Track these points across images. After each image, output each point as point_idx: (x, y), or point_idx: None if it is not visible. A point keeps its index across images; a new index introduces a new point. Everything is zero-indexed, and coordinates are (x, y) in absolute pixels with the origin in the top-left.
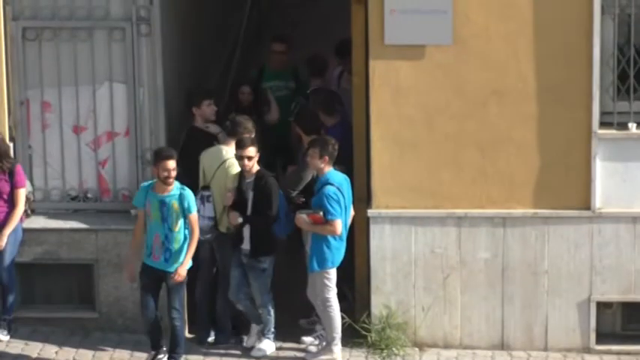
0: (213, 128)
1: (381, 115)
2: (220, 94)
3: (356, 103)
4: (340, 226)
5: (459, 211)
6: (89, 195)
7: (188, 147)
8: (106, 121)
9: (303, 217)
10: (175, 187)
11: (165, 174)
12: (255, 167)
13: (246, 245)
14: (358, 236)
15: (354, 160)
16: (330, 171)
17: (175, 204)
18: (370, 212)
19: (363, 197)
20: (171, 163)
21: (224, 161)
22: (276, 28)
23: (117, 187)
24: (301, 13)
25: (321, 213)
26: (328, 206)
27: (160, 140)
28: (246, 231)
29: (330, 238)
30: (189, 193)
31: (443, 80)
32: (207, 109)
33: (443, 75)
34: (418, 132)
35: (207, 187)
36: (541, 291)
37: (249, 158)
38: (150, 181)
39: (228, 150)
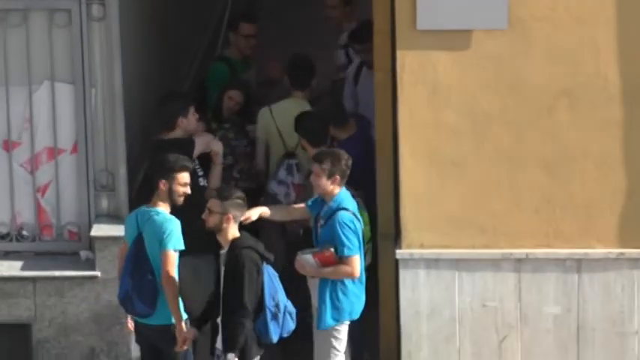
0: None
1: (414, 124)
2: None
3: (379, 108)
4: (359, 264)
5: (519, 252)
6: (24, 232)
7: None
8: (46, 134)
9: (306, 259)
10: None
11: (183, 190)
12: (233, 232)
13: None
14: (384, 285)
15: (376, 185)
16: (341, 193)
17: None
18: (399, 253)
19: (389, 233)
20: (188, 175)
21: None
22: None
23: (61, 222)
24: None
25: (332, 249)
26: (343, 238)
27: (119, 158)
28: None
29: (346, 281)
30: None
31: (495, 77)
32: (193, 118)
33: (495, 70)
34: (462, 146)
35: (292, 155)
36: (630, 356)
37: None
38: (155, 209)
39: (301, 101)
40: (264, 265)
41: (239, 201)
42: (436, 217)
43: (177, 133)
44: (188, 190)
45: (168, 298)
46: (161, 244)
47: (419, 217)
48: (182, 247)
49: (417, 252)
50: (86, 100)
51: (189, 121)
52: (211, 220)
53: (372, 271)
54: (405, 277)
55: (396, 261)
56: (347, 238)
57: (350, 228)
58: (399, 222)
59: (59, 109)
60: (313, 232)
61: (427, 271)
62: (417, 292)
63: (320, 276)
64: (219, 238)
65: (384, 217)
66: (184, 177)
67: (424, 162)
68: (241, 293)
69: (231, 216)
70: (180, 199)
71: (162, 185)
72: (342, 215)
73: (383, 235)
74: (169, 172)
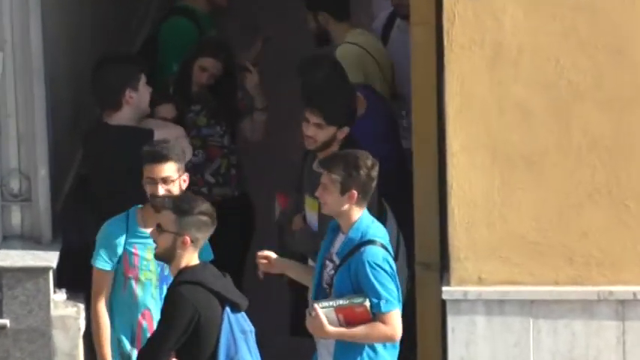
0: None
1: (468, 104)
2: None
3: (418, 79)
4: (400, 321)
5: (622, 290)
6: None
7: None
8: None
9: (327, 317)
10: None
11: (151, 189)
12: (188, 260)
13: None
14: (424, 337)
15: (413, 193)
16: (363, 217)
17: None
18: (447, 291)
19: (432, 262)
20: (169, 168)
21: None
22: None
23: None
24: None
25: (366, 302)
26: (378, 286)
27: (38, 155)
28: None
29: (376, 344)
30: None
31: (588, 35)
32: (145, 90)
33: (587, 24)
34: (539, 135)
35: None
36: None
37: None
38: (123, 214)
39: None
40: (227, 312)
41: (203, 218)
42: (501, 240)
43: (125, 114)
44: (158, 190)
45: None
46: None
47: (476, 240)
48: (99, 264)
49: (472, 290)
50: None
51: (140, 96)
52: (162, 242)
53: (406, 315)
54: (456, 325)
55: (443, 302)
56: (382, 285)
57: (384, 270)
58: (447, 247)
59: None
60: (316, 275)
61: (488, 318)
62: (472, 348)
63: (344, 339)
64: (171, 268)
65: (425, 239)
66: (152, 170)
67: (483, 159)
68: (153, 340)
69: (188, 238)
70: (154, 203)
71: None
72: (371, 252)
73: (423, 266)
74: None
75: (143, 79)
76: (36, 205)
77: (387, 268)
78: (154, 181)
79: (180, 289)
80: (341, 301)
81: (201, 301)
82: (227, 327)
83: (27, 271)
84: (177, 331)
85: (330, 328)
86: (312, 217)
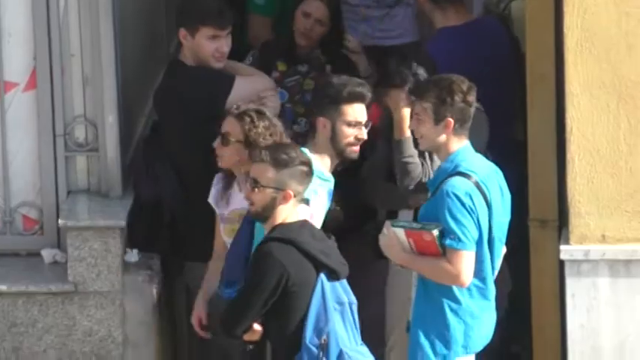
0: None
1: (590, 38)
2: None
3: (532, 7)
4: (471, 266)
5: None
6: None
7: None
8: None
9: (396, 235)
10: None
11: (354, 133)
12: (286, 216)
13: None
14: (539, 303)
15: (525, 130)
16: (462, 149)
17: None
18: (566, 250)
19: (549, 219)
20: (363, 110)
21: None
22: None
23: (11, 202)
24: None
25: (436, 232)
26: (450, 220)
27: (106, 98)
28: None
29: (457, 292)
30: None
31: None
32: (207, 43)
33: None
34: None
35: None
36: None
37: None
38: None
39: None
40: (322, 279)
41: (304, 168)
42: (628, 192)
43: (185, 53)
44: (364, 134)
45: None
46: None
47: (599, 193)
48: None
49: (595, 249)
50: (50, 1)
51: (197, 44)
52: (259, 199)
53: (517, 278)
54: (576, 289)
55: (561, 263)
56: (455, 219)
57: (462, 204)
58: (565, 199)
59: (6, 16)
60: None
61: (612, 281)
62: (594, 315)
63: (409, 268)
64: (265, 225)
65: (541, 192)
66: (357, 112)
67: (608, 100)
68: (237, 303)
69: (291, 192)
70: (352, 151)
71: (322, 125)
72: (455, 183)
73: (538, 222)
74: (332, 103)
75: (208, 29)
76: (103, 156)
77: (468, 202)
78: (359, 125)
79: (270, 247)
80: (414, 225)
81: (292, 262)
82: (319, 295)
83: (94, 230)
84: (264, 293)
85: (399, 251)
86: None
